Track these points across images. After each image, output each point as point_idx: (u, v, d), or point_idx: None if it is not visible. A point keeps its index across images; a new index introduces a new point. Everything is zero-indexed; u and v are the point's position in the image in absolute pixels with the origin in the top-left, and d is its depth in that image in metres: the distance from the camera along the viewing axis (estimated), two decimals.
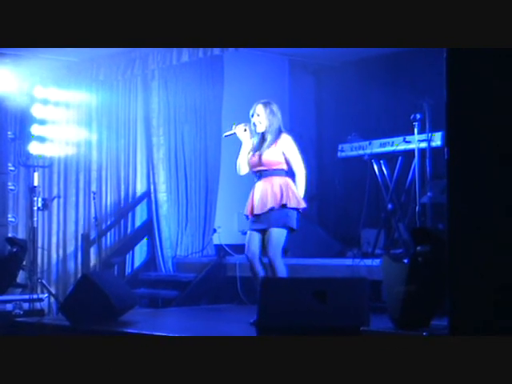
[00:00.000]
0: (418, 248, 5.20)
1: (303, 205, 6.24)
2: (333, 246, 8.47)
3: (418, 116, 7.45)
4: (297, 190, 6.23)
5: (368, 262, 7.19)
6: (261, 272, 6.25)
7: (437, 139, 7.51)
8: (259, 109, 6.31)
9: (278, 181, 6.22)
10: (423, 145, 7.52)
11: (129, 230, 9.38)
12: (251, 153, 6.38)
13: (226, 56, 8.97)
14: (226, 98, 9.35)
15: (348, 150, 8.52)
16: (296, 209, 6.21)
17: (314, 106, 10.41)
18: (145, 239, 9.33)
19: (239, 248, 8.75)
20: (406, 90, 8.91)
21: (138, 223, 9.37)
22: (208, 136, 9.33)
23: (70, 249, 9.46)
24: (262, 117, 6.29)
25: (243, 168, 6.45)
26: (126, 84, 9.30)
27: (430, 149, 7.47)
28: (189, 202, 9.27)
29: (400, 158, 8.07)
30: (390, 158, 8.20)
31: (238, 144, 8.95)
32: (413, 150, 7.63)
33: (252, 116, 6.32)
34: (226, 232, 9.08)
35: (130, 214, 9.39)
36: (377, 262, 6.84)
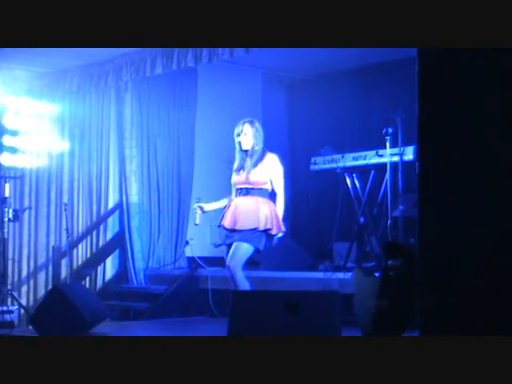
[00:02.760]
0: (390, 262, 5.22)
1: (283, 229, 6.22)
2: (305, 259, 8.48)
3: (390, 130, 7.50)
4: (279, 214, 6.25)
5: (340, 275, 7.21)
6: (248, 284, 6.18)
7: (409, 153, 7.57)
8: (246, 128, 6.28)
9: (266, 204, 6.19)
10: (395, 159, 7.57)
11: (100, 242, 9.34)
12: (235, 172, 6.36)
13: (200, 68, 8.98)
14: (200, 110, 9.36)
15: (321, 162, 8.54)
16: (274, 235, 6.22)
17: (287, 118, 10.45)
18: (116, 251, 9.30)
19: (211, 260, 8.74)
20: (379, 104, 8.97)
21: (109, 235, 9.33)
22: (181, 148, 9.34)
23: (41, 260, 9.38)
24: (248, 136, 6.27)
25: None
26: (99, 95, 9.28)
27: (402, 163, 7.53)
28: (161, 214, 9.25)
29: (372, 171, 8.11)
30: (362, 171, 8.24)
31: (212, 155, 9.04)
32: (385, 164, 7.67)
33: (238, 135, 6.28)
34: (198, 244, 9.07)
35: (101, 226, 9.35)
36: (349, 275, 6.87)
